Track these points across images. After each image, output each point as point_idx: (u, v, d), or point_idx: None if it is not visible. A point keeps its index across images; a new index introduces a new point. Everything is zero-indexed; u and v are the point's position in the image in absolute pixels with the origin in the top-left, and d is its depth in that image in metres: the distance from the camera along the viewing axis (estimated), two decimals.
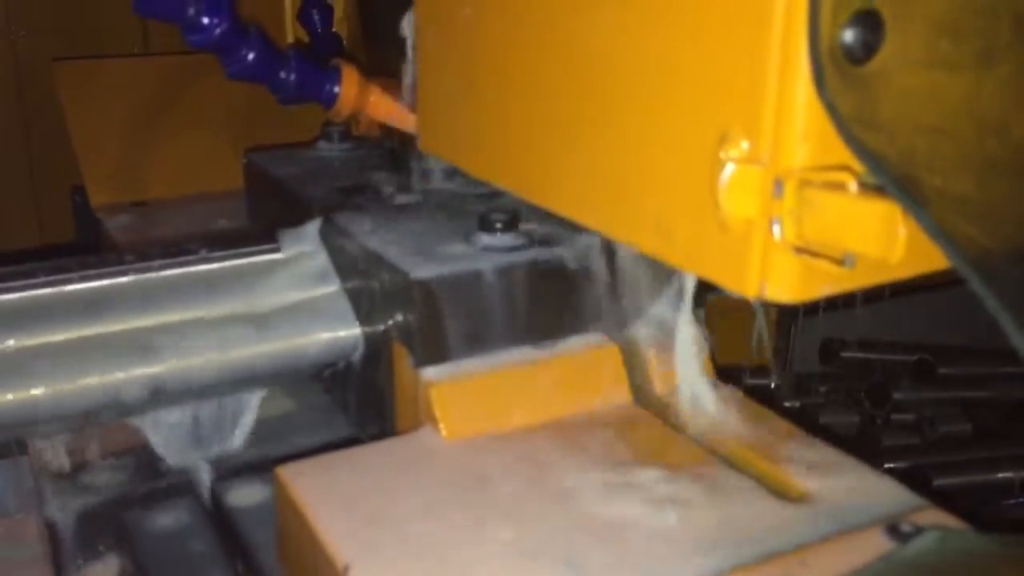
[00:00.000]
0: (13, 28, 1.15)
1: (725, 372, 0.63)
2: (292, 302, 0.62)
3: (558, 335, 0.58)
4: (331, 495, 0.50)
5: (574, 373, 0.58)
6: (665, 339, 0.60)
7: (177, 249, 0.60)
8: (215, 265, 0.60)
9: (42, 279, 0.57)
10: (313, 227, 0.65)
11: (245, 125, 1.05)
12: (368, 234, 0.61)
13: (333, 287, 0.63)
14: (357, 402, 0.63)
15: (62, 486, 0.61)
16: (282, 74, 0.74)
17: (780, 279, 0.41)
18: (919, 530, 0.45)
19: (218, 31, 0.68)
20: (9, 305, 0.56)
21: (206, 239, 0.64)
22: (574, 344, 0.58)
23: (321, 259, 0.63)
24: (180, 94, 1.06)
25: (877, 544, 0.46)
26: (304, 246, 0.64)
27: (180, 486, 0.61)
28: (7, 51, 1.15)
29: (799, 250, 0.40)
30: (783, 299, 0.41)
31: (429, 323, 0.55)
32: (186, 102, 1.06)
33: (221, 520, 0.59)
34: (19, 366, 0.55)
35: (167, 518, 0.59)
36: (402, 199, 0.68)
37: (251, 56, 0.71)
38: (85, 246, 0.98)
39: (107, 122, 1.03)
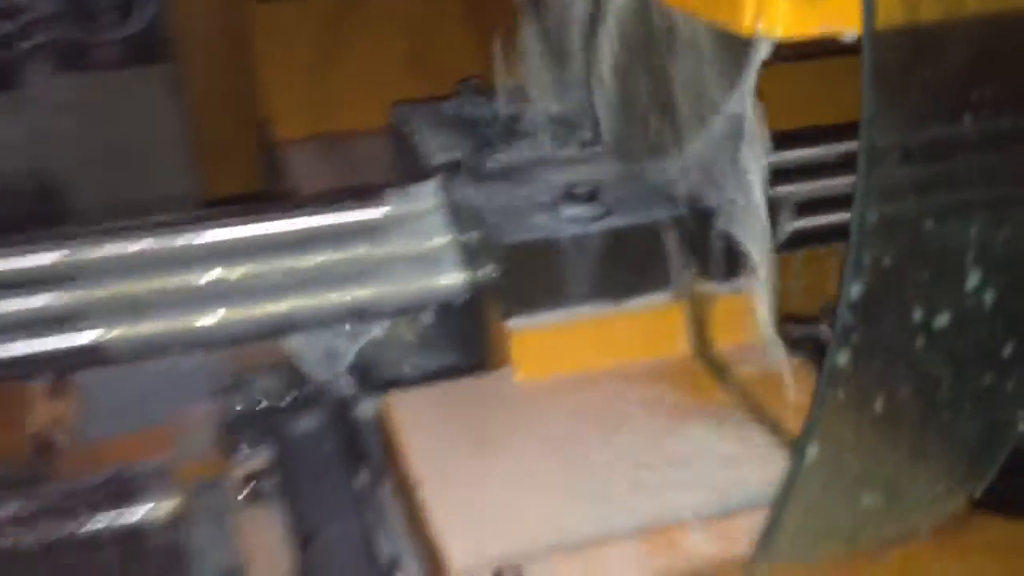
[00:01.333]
0: None
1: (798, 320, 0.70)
2: (410, 251, 0.73)
3: (629, 295, 0.66)
4: (418, 422, 0.62)
5: (640, 327, 0.66)
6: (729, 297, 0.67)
7: (312, 202, 0.72)
8: (344, 218, 0.72)
9: (214, 222, 0.71)
10: (433, 184, 0.75)
11: (422, 63, 1.14)
12: (476, 195, 0.70)
13: (446, 240, 0.73)
14: (460, 337, 0.74)
15: (232, 390, 0.77)
16: None
17: (772, 15, 0.46)
18: None
19: None
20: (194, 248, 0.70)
21: (355, 190, 0.76)
22: (642, 302, 0.67)
23: (438, 214, 0.74)
24: (366, 33, 1.15)
25: None
26: (424, 202, 0.75)
27: (318, 397, 0.74)
28: None
29: None
30: (775, 34, 0.47)
31: (515, 281, 0.65)
32: (368, 41, 1.16)
33: (348, 428, 0.72)
34: (211, 296, 0.70)
35: (307, 422, 0.73)
36: (513, 160, 0.77)
37: None
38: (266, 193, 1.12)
39: (295, 59, 1.16)
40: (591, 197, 0.66)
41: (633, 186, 0.69)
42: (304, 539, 0.63)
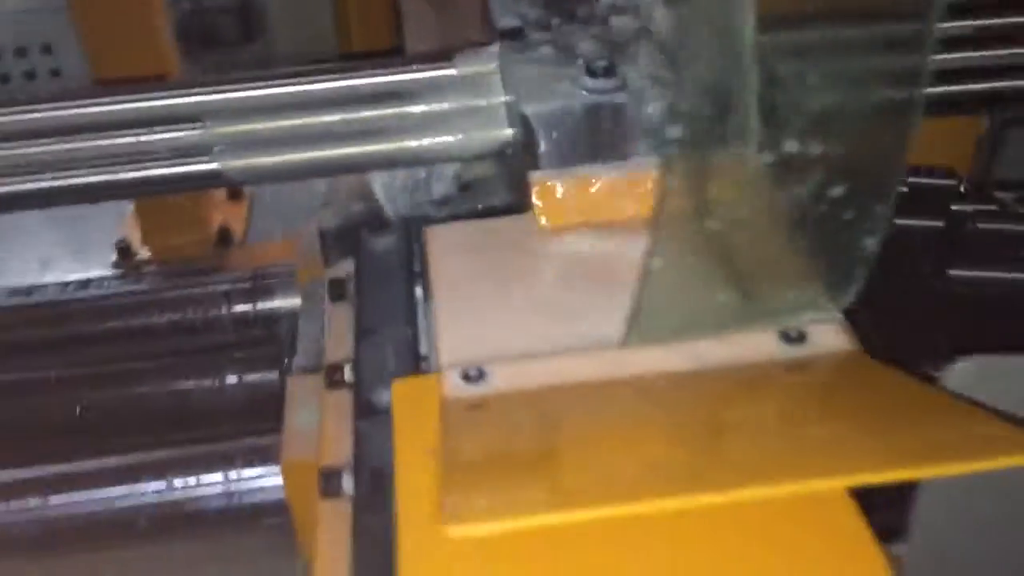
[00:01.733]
0: None
1: None
2: (470, 108, 0.87)
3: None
4: (445, 249, 0.77)
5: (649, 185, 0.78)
6: None
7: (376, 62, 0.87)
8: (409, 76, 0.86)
9: (308, 78, 0.87)
10: (494, 49, 0.87)
11: None
12: (520, 65, 0.83)
13: (500, 99, 0.86)
14: (512, 184, 0.89)
15: (327, 210, 0.95)
16: None
17: None
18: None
19: None
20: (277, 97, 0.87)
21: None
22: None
23: (495, 77, 0.87)
24: None
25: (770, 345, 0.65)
26: (486, 65, 0.87)
27: (392, 222, 0.91)
28: None
29: None
30: None
31: (534, 143, 0.78)
32: None
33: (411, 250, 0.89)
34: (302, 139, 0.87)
35: (382, 242, 0.91)
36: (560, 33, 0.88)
37: None
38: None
39: None
40: (608, 72, 0.77)
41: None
42: (362, 332, 0.81)
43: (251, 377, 1.02)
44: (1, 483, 0.98)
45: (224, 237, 1.66)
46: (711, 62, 0.57)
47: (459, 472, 0.54)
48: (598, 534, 0.51)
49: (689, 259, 0.61)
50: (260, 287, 1.13)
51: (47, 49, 3.18)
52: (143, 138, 0.85)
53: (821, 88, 0.57)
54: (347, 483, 0.70)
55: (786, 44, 0.58)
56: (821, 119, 0.56)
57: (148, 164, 0.85)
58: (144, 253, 1.62)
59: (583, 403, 0.64)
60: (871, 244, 0.59)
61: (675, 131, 0.58)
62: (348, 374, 0.79)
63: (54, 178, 0.86)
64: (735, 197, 0.60)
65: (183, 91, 0.87)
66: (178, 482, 0.93)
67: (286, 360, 1.01)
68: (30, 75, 3.25)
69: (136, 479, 0.94)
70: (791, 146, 0.57)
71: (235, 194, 1.73)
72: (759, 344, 0.65)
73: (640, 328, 0.62)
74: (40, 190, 0.86)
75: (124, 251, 1.60)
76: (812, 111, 0.56)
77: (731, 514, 0.52)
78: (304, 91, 0.87)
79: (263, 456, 0.92)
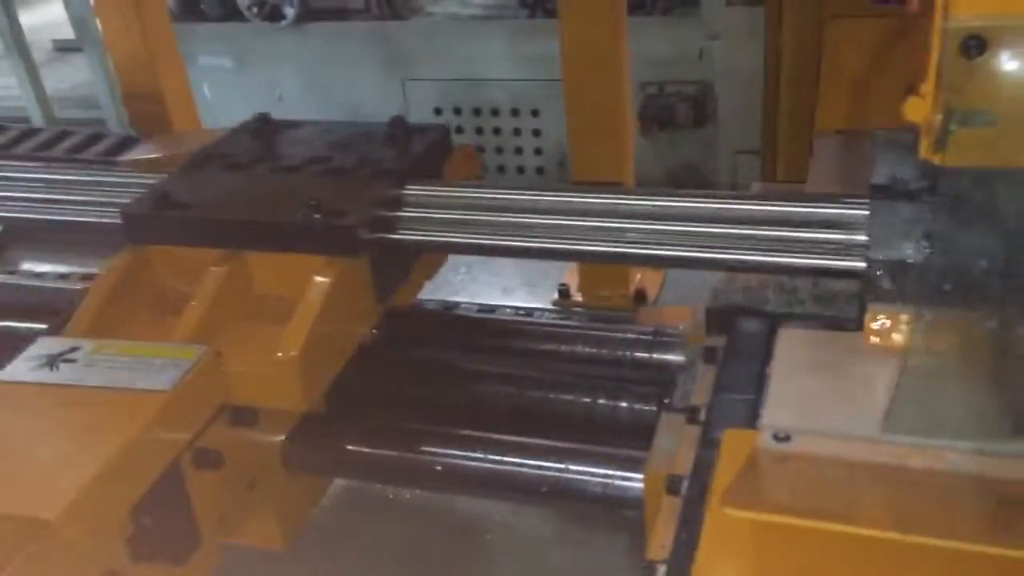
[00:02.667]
0: None
1: None
2: (836, 239, 1.14)
3: None
4: (791, 346, 1.05)
5: None
6: None
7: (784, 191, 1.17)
8: None
9: (729, 202, 1.20)
10: (865, 199, 1.14)
11: None
12: (880, 216, 1.09)
13: (860, 238, 1.13)
14: (849, 301, 1.14)
15: (717, 294, 1.27)
16: None
17: None
18: None
19: None
20: None
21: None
22: None
23: (862, 220, 1.13)
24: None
25: None
26: (856, 209, 1.14)
27: (761, 313, 1.21)
28: None
29: None
30: None
31: (875, 279, 1.04)
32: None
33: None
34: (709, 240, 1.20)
35: (749, 327, 1.20)
36: None
37: None
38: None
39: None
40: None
41: None
42: (719, 388, 1.12)
43: (638, 406, 1.36)
44: (457, 437, 1.41)
45: (640, 296, 2.04)
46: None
47: (747, 483, 0.84)
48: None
49: (950, 366, 0.84)
50: (657, 342, 1.47)
51: (535, 112, 3.88)
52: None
53: None
54: (684, 487, 1.01)
55: None
56: None
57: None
58: (578, 297, 2.06)
59: (862, 476, 0.90)
60: None
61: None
62: (703, 416, 1.11)
63: (540, 240, 1.27)
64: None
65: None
66: (573, 467, 1.30)
67: (665, 400, 1.35)
68: (517, 131, 3.98)
69: (545, 457, 1.32)
70: None
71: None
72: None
73: (893, 421, 0.86)
74: (525, 248, 1.28)
75: (564, 293, 2.05)
76: None
77: None
78: (739, 209, 1.20)
79: (634, 465, 1.26)
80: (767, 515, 0.79)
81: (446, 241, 1.30)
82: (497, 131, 3.99)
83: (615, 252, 1.24)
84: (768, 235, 1.17)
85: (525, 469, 1.31)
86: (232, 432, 1.19)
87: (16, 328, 1.47)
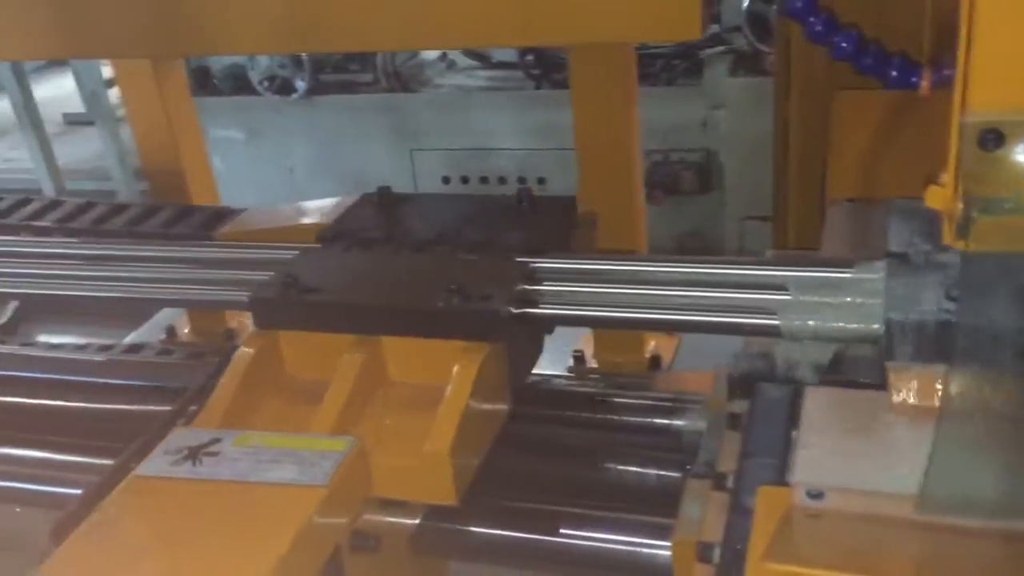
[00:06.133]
0: None
1: None
2: (855, 302, 1.16)
3: None
4: (818, 405, 1.06)
5: None
6: None
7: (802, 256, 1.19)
8: None
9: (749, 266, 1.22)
10: (881, 264, 1.16)
11: None
12: (897, 280, 1.11)
13: (877, 302, 1.14)
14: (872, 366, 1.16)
15: (738, 360, 1.28)
16: None
17: None
18: None
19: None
20: None
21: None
22: None
23: (879, 285, 1.15)
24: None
25: None
26: (872, 274, 1.16)
27: (783, 379, 1.22)
28: None
29: None
30: None
31: (894, 340, 1.05)
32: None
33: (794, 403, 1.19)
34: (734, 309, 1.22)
35: (773, 393, 1.21)
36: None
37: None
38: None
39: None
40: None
41: None
42: (746, 454, 1.13)
43: (662, 472, 1.37)
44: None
45: (655, 362, 2.05)
46: None
47: (785, 539, 0.84)
48: None
49: (981, 434, 0.85)
50: (677, 408, 1.48)
51: (541, 180, 3.94)
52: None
53: None
54: (716, 554, 1.01)
55: None
56: None
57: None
58: (593, 363, 2.07)
59: (897, 532, 0.90)
60: None
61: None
62: (730, 482, 1.11)
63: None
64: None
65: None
66: (594, 534, 1.29)
67: (687, 466, 1.35)
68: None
69: (559, 524, 1.32)
70: None
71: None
72: None
73: (927, 503, 0.87)
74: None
75: (578, 359, 2.06)
76: None
77: None
78: (753, 274, 1.23)
79: (661, 532, 1.25)
80: (809, 570, 0.79)
81: (586, 316, 1.29)
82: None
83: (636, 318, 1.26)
84: (783, 300, 1.18)
85: (547, 536, 1.31)
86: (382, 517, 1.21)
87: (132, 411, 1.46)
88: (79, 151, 5.83)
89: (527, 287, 1.26)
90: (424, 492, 1.15)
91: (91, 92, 4.81)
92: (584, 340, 2.12)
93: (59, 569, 0.94)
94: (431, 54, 4.07)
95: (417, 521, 1.26)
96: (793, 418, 1.15)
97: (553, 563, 1.31)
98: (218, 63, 3.95)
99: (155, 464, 1.07)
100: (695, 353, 2.09)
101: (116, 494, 1.04)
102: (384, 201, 1.51)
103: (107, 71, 5.34)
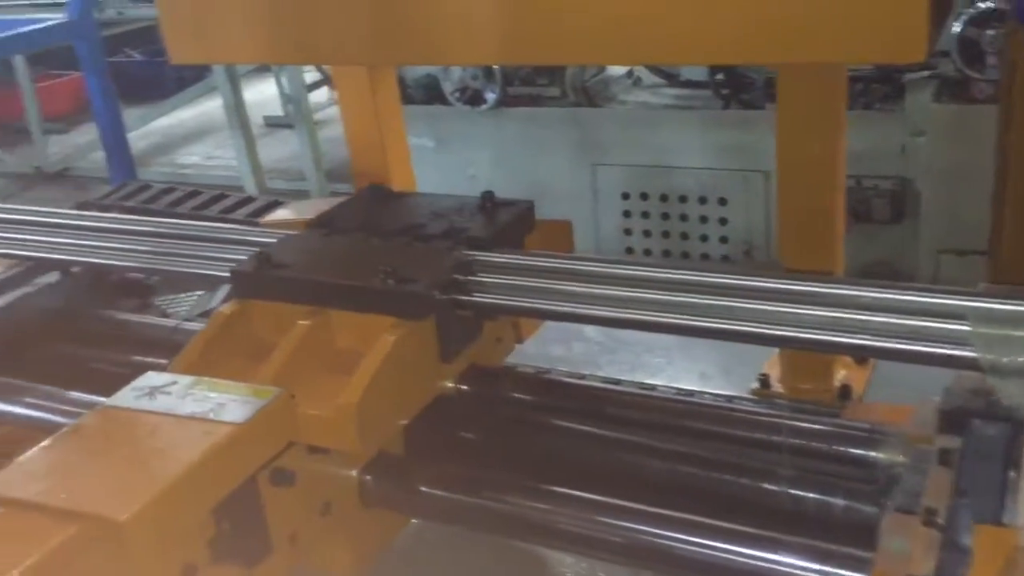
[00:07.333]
0: None
1: None
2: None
3: None
4: None
5: None
6: None
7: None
8: None
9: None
10: None
11: None
12: None
13: None
14: None
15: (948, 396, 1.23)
16: None
17: None
18: None
19: None
20: None
21: None
22: None
23: None
24: None
25: None
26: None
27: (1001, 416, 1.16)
28: None
29: None
30: None
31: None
32: None
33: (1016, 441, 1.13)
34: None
35: (990, 430, 1.16)
36: None
37: None
38: None
39: None
40: None
41: None
42: (959, 492, 1.08)
43: (855, 504, 1.33)
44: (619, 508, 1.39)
45: (844, 392, 1.99)
46: None
47: None
48: None
49: None
50: (874, 439, 1.43)
51: (723, 201, 3.89)
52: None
53: None
54: None
55: None
56: None
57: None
58: (778, 387, 2.03)
59: None
60: None
61: None
62: (941, 519, 1.07)
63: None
64: None
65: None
66: (786, 559, 1.27)
67: (883, 499, 1.30)
68: (703, 219, 3.99)
69: (752, 546, 1.29)
70: None
71: (862, 360, 2.06)
72: None
73: None
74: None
75: (764, 382, 2.03)
76: None
77: None
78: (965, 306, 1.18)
79: (860, 566, 1.21)
80: None
81: (514, 306, 1.42)
82: (684, 217, 4.02)
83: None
84: (996, 334, 1.13)
85: (733, 556, 1.30)
86: (307, 459, 1.34)
87: (146, 362, 1.70)
88: (276, 152, 6.20)
89: (458, 276, 1.43)
90: (335, 440, 1.32)
91: (292, 97, 5.10)
92: (769, 364, 2.08)
93: (6, 475, 1.11)
94: (618, 70, 4.09)
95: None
96: (1010, 457, 1.09)
97: None
98: (412, 73, 4.11)
99: (123, 397, 1.26)
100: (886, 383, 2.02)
101: (85, 417, 1.23)
102: (376, 196, 1.77)
103: (308, 77, 5.65)
